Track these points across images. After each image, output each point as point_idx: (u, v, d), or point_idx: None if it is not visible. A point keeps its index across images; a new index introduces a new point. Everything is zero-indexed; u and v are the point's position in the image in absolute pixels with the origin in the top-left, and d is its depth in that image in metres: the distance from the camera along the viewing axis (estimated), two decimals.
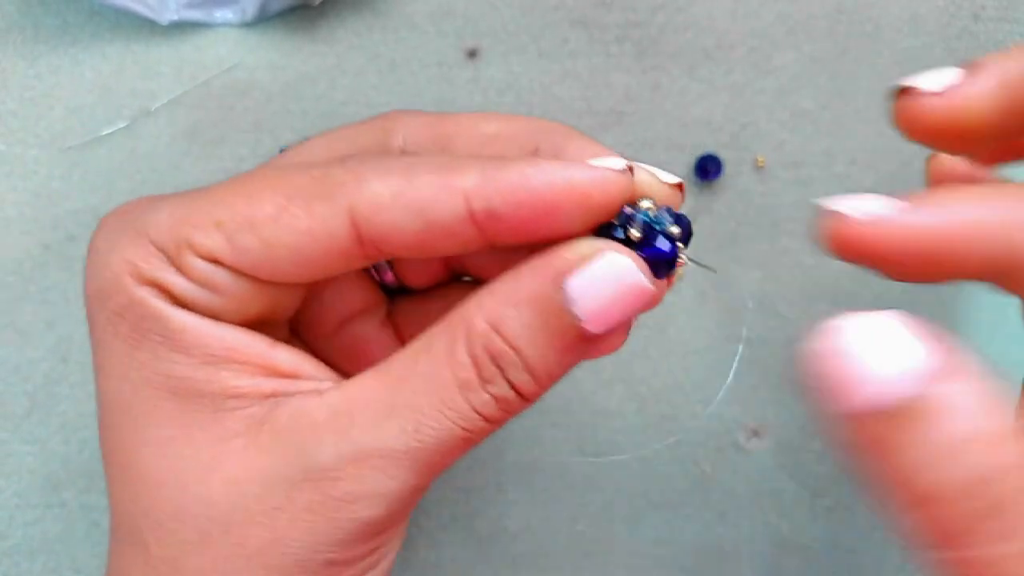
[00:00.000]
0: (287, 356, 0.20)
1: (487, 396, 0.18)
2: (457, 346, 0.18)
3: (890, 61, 0.31)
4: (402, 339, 0.24)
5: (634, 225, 0.19)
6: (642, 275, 0.18)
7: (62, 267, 0.30)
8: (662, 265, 0.19)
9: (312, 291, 0.23)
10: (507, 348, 0.18)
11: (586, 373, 0.31)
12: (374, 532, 0.19)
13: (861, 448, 0.15)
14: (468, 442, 0.19)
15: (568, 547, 0.31)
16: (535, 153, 0.21)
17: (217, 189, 0.19)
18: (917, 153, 0.31)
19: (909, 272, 0.17)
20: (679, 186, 0.21)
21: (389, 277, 0.24)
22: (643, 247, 0.19)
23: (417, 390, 0.18)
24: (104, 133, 0.30)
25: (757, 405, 0.31)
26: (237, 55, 0.30)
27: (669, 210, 0.20)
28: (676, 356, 0.31)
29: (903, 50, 0.31)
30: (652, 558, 0.31)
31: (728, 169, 0.31)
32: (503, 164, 0.18)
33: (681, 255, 0.20)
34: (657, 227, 0.19)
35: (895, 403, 0.14)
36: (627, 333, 0.19)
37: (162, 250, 0.19)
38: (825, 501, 0.31)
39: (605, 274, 0.18)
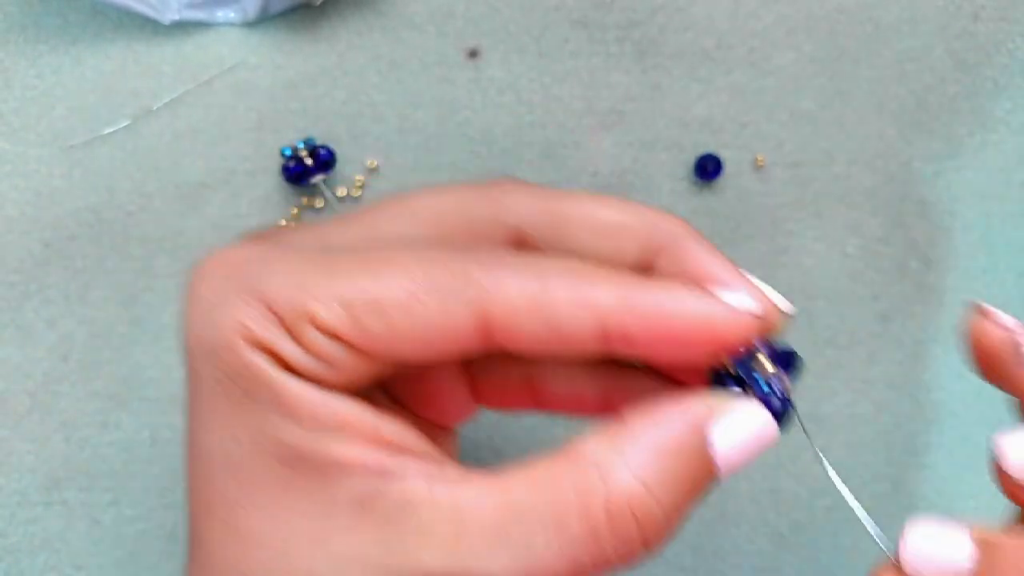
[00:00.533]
0: (393, 428, 0.19)
1: (610, 550, 0.18)
2: (592, 496, 0.18)
3: (890, 61, 0.31)
4: (476, 391, 0.24)
5: (753, 390, 0.20)
6: (775, 424, 0.19)
7: (63, 266, 0.30)
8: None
9: None
10: (653, 501, 0.18)
11: None
12: None
13: None
14: None
15: None
16: (656, 253, 0.21)
17: (342, 258, 0.19)
18: (916, 154, 0.31)
19: None
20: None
21: None
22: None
23: (536, 531, 0.18)
24: (106, 132, 0.30)
25: None
26: (239, 55, 0.31)
27: (784, 356, 0.21)
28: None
29: (903, 50, 0.31)
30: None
31: (728, 169, 0.31)
32: (641, 287, 0.19)
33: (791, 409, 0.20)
34: (775, 393, 0.20)
35: None
36: None
37: (278, 315, 0.18)
38: (825, 501, 0.31)
39: (747, 426, 0.19)
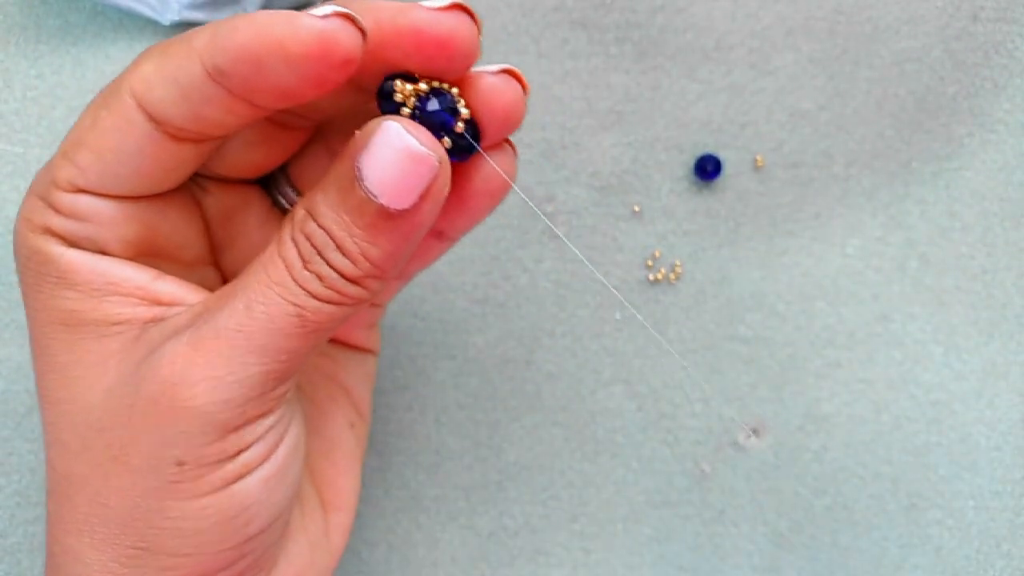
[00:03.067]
0: (171, 287, 0.21)
1: (308, 273, 0.19)
2: (285, 233, 0.20)
3: (888, 62, 0.31)
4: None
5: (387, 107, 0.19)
6: (413, 139, 0.18)
7: None
8: (443, 130, 0.20)
9: (225, 234, 0.24)
10: (318, 229, 0.19)
11: (586, 373, 0.31)
12: (218, 426, 0.19)
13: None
14: (304, 322, 0.19)
15: (567, 545, 0.31)
16: None
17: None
18: (916, 155, 0.31)
19: None
20: (455, 6, 0.20)
21: None
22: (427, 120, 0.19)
23: (251, 274, 0.19)
24: None
25: (757, 404, 0.31)
26: None
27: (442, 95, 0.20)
28: (676, 355, 0.31)
29: (901, 51, 0.31)
30: (651, 557, 0.31)
31: (728, 169, 0.31)
32: (230, 21, 0.19)
33: (460, 118, 0.20)
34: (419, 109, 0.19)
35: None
36: (430, 213, 0.19)
37: (42, 198, 0.20)
38: (824, 500, 0.31)
39: (383, 143, 0.18)
